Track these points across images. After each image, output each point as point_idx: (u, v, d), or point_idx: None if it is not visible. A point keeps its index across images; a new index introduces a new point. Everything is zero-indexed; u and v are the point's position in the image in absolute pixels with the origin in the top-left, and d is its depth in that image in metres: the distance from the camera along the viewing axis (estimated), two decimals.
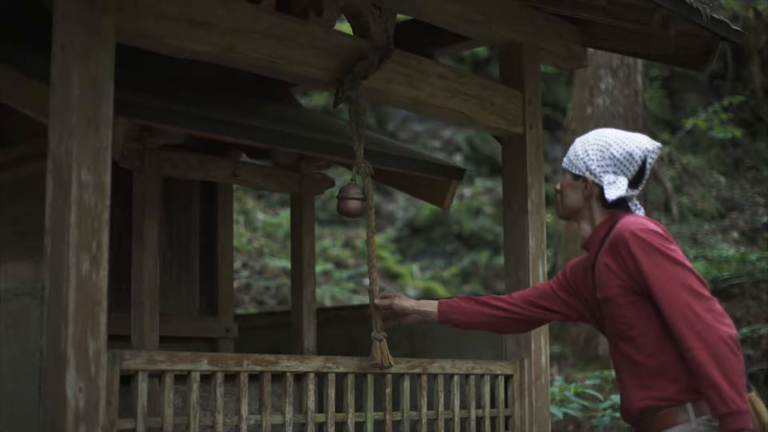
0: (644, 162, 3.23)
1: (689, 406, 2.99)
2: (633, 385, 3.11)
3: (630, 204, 3.27)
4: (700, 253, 11.93)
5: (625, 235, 3.05)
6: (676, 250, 3.00)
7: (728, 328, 2.89)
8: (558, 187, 3.37)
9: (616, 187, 3.18)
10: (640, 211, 3.28)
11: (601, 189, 3.22)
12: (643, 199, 11.08)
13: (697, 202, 14.46)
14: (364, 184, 4.24)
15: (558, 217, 3.49)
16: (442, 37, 5.32)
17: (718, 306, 2.93)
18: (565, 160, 3.35)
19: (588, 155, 3.24)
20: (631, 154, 3.20)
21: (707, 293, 2.95)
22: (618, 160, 3.20)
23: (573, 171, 3.29)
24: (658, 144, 3.26)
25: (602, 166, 3.22)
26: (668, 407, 3.01)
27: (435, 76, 4.61)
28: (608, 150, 3.21)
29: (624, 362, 3.15)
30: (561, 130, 13.86)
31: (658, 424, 3.03)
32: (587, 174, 3.24)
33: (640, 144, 3.22)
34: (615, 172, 3.20)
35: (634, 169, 3.21)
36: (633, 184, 3.25)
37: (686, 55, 5.16)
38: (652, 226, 3.07)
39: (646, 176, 3.27)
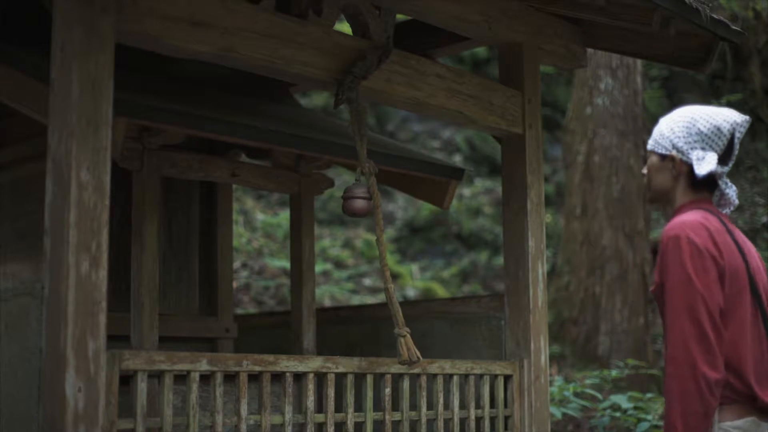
0: (733, 136, 3.12)
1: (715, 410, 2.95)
2: None
3: (720, 182, 3.14)
4: None
5: (664, 238, 2.97)
6: (700, 269, 2.88)
7: (711, 371, 2.81)
8: (645, 170, 3.26)
9: (706, 162, 3.06)
10: (731, 190, 3.15)
11: (690, 167, 3.10)
12: (643, 200, 11.08)
13: None
14: (369, 183, 4.24)
15: (648, 201, 3.36)
16: (441, 38, 5.32)
17: (713, 344, 2.83)
18: (650, 141, 3.22)
19: (674, 132, 3.13)
20: (719, 128, 3.08)
21: (709, 326, 2.84)
22: (705, 135, 3.08)
23: (659, 151, 3.17)
24: (747, 117, 3.15)
25: (689, 142, 3.10)
26: None
27: (434, 76, 4.61)
28: (695, 126, 3.10)
29: None
30: (560, 130, 13.86)
31: None
32: (674, 152, 3.12)
33: (727, 117, 3.11)
34: (703, 148, 3.09)
35: (723, 143, 3.10)
36: (723, 159, 3.12)
37: (686, 55, 5.16)
38: (692, 234, 2.92)
39: (736, 151, 3.15)
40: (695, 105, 3.24)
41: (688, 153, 3.10)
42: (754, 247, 3.24)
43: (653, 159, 3.21)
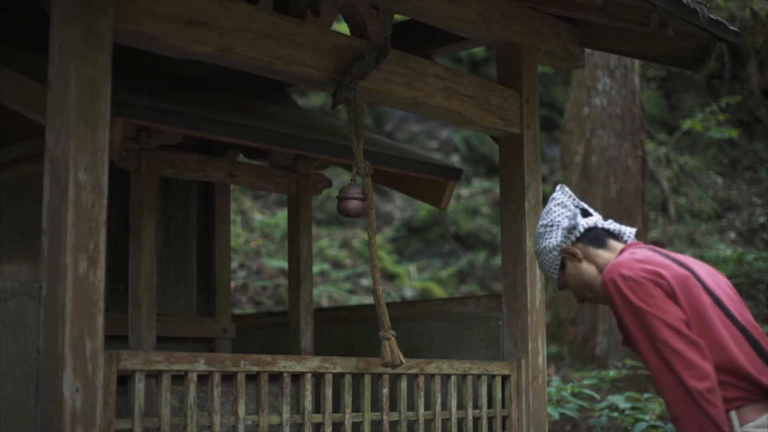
0: (572, 199, 3.40)
1: (732, 415, 2.95)
2: None
3: (609, 227, 3.35)
4: (698, 253, 11.94)
5: (603, 288, 3.07)
6: (644, 295, 2.95)
7: (698, 382, 2.84)
8: (567, 289, 3.43)
9: (577, 221, 3.31)
10: (623, 226, 3.37)
11: (578, 239, 3.31)
12: (641, 200, 11.09)
13: (695, 203, 14.48)
14: (364, 184, 4.24)
15: (590, 302, 3.52)
16: (439, 38, 5.32)
17: (692, 355, 2.86)
18: (549, 274, 3.41)
19: (547, 246, 3.36)
20: (559, 205, 3.38)
21: (678, 342, 2.88)
22: (556, 221, 3.34)
23: (556, 269, 3.37)
24: (558, 186, 3.44)
25: (557, 236, 3.34)
26: None
27: (432, 77, 4.61)
28: (546, 228, 3.36)
29: None
30: (558, 130, 13.87)
31: None
32: (561, 250, 3.33)
33: (556, 202, 3.40)
34: (567, 226, 3.32)
35: (572, 211, 3.35)
36: (585, 214, 3.38)
37: (683, 55, 5.16)
38: (623, 270, 3.01)
39: (583, 206, 3.41)
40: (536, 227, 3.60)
41: (565, 239, 3.34)
42: (701, 262, 3.31)
43: (561, 275, 3.39)
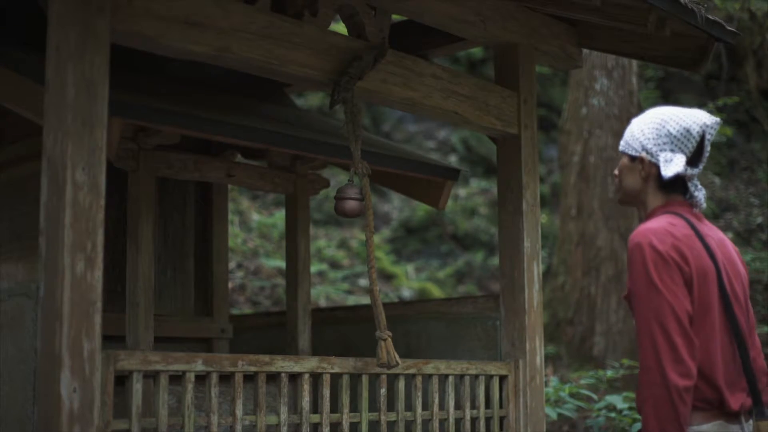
0: (702, 137, 3.13)
1: None
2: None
3: (689, 184, 3.15)
4: None
5: (629, 245, 2.98)
6: (665, 276, 2.89)
7: (680, 378, 2.82)
8: (616, 171, 3.28)
9: (673, 164, 3.07)
10: (700, 193, 3.16)
11: (659, 168, 3.12)
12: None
13: None
14: (362, 184, 4.25)
15: (618, 202, 3.37)
16: (437, 38, 5.32)
17: (683, 351, 2.84)
18: (621, 142, 3.24)
19: (644, 134, 3.14)
20: (688, 130, 3.09)
21: (677, 334, 2.85)
22: (674, 137, 3.09)
23: (629, 152, 3.19)
24: (717, 119, 3.15)
25: (659, 144, 3.11)
26: None
27: (430, 77, 4.61)
28: (664, 127, 3.11)
29: None
30: (556, 130, 13.87)
31: None
32: (644, 154, 3.13)
33: (697, 119, 3.11)
34: (672, 150, 3.10)
35: (692, 145, 3.10)
36: (692, 161, 3.13)
37: (681, 56, 5.17)
38: (655, 241, 2.93)
39: (707, 152, 3.17)
40: (669, 106, 3.25)
41: (657, 155, 3.12)
42: (735, 248, 3.24)
43: (624, 160, 3.23)
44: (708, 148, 3.16)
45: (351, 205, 4.21)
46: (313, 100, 14.19)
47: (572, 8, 4.78)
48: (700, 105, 14.85)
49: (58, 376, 3.10)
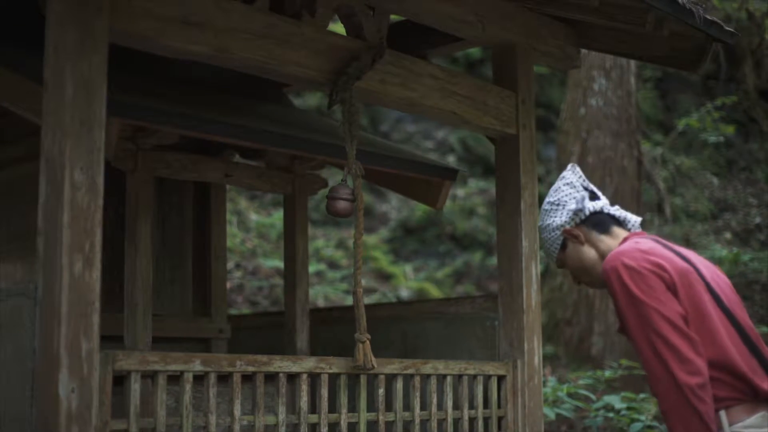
0: (581, 181, 3.39)
1: (722, 414, 2.94)
2: None
3: (614, 213, 3.34)
4: None
5: (604, 274, 3.06)
6: (645, 287, 2.94)
7: (689, 377, 2.84)
8: (573, 273, 3.42)
9: (582, 201, 3.30)
10: (627, 213, 3.36)
11: (582, 222, 3.31)
12: (637, 200, 11.09)
13: (690, 203, 14.49)
14: (355, 184, 4.25)
15: (589, 286, 3.52)
16: (435, 38, 5.32)
17: (685, 350, 2.87)
18: (549, 252, 3.41)
19: (551, 224, 3.36)
20: (568, 185, 3.37)
21: (673, 335, 2.88)
22: (564, 203, 3.35)
23: (557, 248, 3.38)
24: (570, 165, 3.44)
25: (562, 215, 3.34)
26: None
27: (428, 77, 4.61)
28: (552, 206, 3.37)
29: None
30: (554, 130, 13.87)
31: None
32: (564, 230, 3.33)
33: (565, 181, 3.39)
34: (573, 208, 3.32)
35: (580, 193, 3.34)
36: (593, 197, 3.37)
37: (679, 56, 5.17)
38: (626, 259, 3.00)
39: (594, 188, 3.39)
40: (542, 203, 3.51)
41: (570, 220, 3.33)
42: (704, 258, 3.30)
43: (561, 256, 3.39)
44: (588, 188, 3.40)
45: (343, 205, 4.21)
46: (311, 100, 14.19)
47: (570, 8, 4.78)
48: (699, 105, 14.86)
49: (57, 377, 3.10)
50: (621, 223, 3.35)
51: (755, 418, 2.93)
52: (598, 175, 11.10)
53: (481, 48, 11.60)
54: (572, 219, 3.33)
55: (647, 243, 3.12)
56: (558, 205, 3.37)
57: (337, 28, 4.89)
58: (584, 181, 3.41)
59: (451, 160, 15.17)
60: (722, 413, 2.93)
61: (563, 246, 3.36)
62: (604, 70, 11.37)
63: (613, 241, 3.28)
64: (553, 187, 3.43)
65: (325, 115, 9.19)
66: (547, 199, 3.43)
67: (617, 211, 3.36)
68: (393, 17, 4.91)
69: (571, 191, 3.37)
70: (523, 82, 5.08)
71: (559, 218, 3.35)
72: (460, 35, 5.00)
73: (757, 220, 13.87)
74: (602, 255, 3.27)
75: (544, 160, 15.19)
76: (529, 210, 5.00)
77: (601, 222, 3.31)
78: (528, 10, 5.06)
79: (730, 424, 2.92)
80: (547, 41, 5.22)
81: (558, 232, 3.36)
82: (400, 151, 5.74)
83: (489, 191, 14.76)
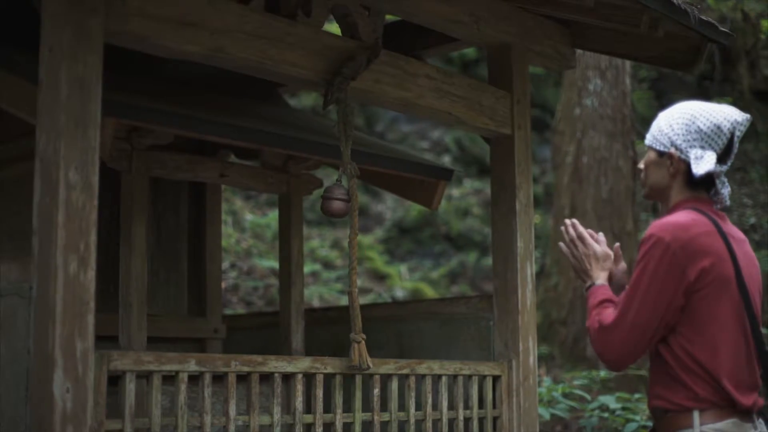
0: (732, 135, 3.04)
1: (695, 413, 2.93)
2: (651, 383, 3.09)
3: (717, 181, 3.08)
4: None
5: (648, 232, 2.96)
6: (663, 272, 2.88)
7: (606, 341, 3.09)
8: (641, 165, 3.21)
9: (704, 162, 2.99)
10: (726, 190, 3.10)
11: (688, 165, 3.04)
12: (632, 200, 11.10)
13: None
14: (350, 185, 4.25)
15: (644, 197, 3.31)
16: (430, 38, 5.32)
17: (631, 328, 2.96)
18: (648, 136, 3.17)
19: (673, 129, 3.07)
20: (719, 127, 3.02)
21: (642, 312, 2.92)
22: (705, 133, 3.02)
23: (657, 147, 3.11)
24: (747, 116, 3.09)
25: (688, 140, 3.03)
26: (675, 411, 2.97)
27: (423, 77, 4.62)
28: (694, 123, 3.03)
29: (651, 359, 3.11)
30: (549, 131, 13.89)
31: (664, 425, 3.00)
32: (673, 150, 3.06)
33: (728, 116, 3.05)
34: (702, 147, 3.03)
35: (722, 142, 3.03)
36: (721, 158, 3.05)
37: (674, 56, 5.17)
38: (669, 237, 2.90)
39: (735, 150, 3.10)
40: (695, 101, 3.18)
41: (687, 151, 3.04)
42: (750, 252, 3.16)
43: (651, 155, 3.15)
44: (737, 145, 3.10)
45: (338, 205, 4.21)
46: (306, 100, 14.18)
47: (566, 9, 4.79)
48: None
49: (51, 377, 3.10)
50: (711, 193, 3.11)
51: (725, 423, 2.91)
52: (593, 176, 11.11)
53: (476, 48, 11.60)
54: (688, 152, 3.04)
55: (704, 226, 2.96)
56: (708, 135, 3.02)
57: (333, 28, 4.89)
58: (738, 137, 3.08)
59: (446, 160, 15.18)
60: (695, 413, 2.91)
61: (660, 153, 3.11)
62: (599, 71, 11.38)
63: (682, 196, 3.09)
64: (726, 112, 3.06)
65: (320, 115, 9.19)
66: (706, 110, 3.06)
67: (722, 184, 3.10)
68: (388, 17, 4.92)
69: (721, 139, 3.03)
70: (518, 82, 5.08)
71: (686, 137, 3.04)
72: (455, 35, 5.00)
73: (752, 220, 13.89)
74: (668, 193, 3.13)
75: (540, 160, 15.20)
76: (524, 210, 5.00)
77: (697, 180, 3.06)
78: (523, 10, 5.06)
79: (701, 425, 2.90)
80: (542, 41, 5.23)
81: (667, 143, 3.08)
82: (395, 152, 5.75)
83: (484, 191, 14.77)
